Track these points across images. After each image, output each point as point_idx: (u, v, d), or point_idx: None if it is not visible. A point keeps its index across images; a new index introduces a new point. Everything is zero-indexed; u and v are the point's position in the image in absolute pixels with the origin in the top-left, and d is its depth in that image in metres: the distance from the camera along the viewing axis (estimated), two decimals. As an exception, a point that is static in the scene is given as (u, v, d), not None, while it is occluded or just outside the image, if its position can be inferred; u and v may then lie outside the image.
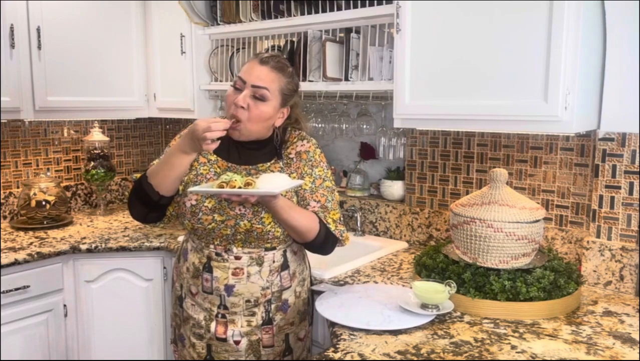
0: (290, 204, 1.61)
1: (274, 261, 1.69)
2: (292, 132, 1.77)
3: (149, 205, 1.68)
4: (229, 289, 1.66)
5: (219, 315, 1.68)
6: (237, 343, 1.68)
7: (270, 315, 1.70)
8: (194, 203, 1.64)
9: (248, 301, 1.68)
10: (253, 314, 1.69)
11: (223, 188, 1.49)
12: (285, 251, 1.72)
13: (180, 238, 2.35)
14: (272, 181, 1.52)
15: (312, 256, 1.85)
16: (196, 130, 1.55)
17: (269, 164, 1.70)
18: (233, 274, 1.66)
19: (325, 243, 1.68)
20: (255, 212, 1.62)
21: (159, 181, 1.65)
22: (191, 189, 1.57)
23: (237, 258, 1.66)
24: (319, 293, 1.80)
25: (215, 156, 1.70)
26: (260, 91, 1.61)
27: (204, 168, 1.69)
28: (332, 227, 1.67)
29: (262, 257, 1.67)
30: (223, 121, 1.57)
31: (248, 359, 1.70)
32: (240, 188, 1.48)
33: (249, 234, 1.63)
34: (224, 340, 1.69)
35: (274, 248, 1.69)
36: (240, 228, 1.62)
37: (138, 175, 1.73)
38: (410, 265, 2.10)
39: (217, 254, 1.67)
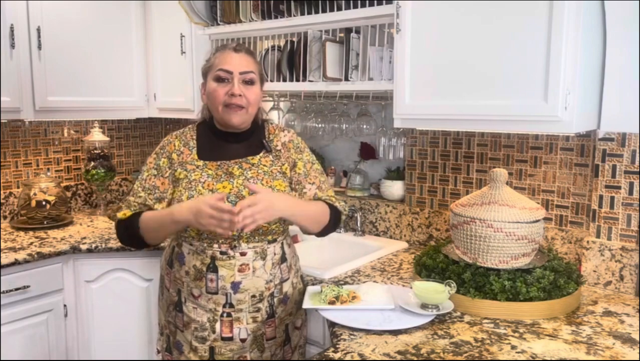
0: (299, 203, 1.67)
1: (275, 254, 1.73)
2: (270, 124, 1.83)
3: (139, 245, 1.75)
4: (235, 286, 1.67)
5: (224, 314, 1.68)
6: (243, 340, 1.70)
7: (274, 308, 1.73)
8: None
9: (254, 296, 1.69)
10: (258, 310, 1.70)
11: (334, 303, 1.63)
12: (282, 244, 1.76)
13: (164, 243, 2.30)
14: (374, 293, 1.69)
15: (312, 256, 1.85)
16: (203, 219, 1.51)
17: (258, 157, 1.74)
18: (239, 270, 1.67)
19: (336, 219, 1.76)
20: None
21: (151, 237, 1.69)
22: (306, 306, 1.64)
23: (243, 254, 1.67)
24: (313, 284, 1.80)
25: (202, 161, 1.72)
26: (249, 75, 1.68)
27: (196, 174, 1.70)
28: (334, 201, 1.77)
29: (265, 250, 1.70)
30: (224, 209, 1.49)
31: (252, 359, 1.71)
32: (349, 302, 1.64)
33: (254, 232, 1.66)
34: (230, 339, 1.69)
35: (275, 241, 1.73)
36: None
37: (121, 215, 1.70)
38: (410, 265, 2.10)
39: (222, 253, 1.67)
